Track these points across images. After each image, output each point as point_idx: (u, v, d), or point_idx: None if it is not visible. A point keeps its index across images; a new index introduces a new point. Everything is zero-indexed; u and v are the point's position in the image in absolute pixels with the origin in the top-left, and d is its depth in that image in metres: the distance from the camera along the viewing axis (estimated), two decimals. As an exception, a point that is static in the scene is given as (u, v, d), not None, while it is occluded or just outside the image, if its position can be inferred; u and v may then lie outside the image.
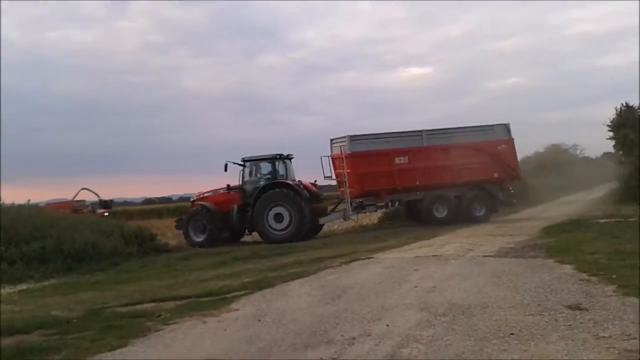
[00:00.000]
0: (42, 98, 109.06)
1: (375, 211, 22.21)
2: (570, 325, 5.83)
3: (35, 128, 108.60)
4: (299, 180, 21.01)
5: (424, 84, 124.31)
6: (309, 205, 19.91)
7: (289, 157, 20.94)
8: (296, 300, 8.25)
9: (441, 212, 20.83)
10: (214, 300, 8.61)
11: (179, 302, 8.61)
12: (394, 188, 20.43)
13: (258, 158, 20.58)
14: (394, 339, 5.71)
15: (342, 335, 5.95)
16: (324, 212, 21.21)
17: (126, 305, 8.71)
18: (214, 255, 16.23)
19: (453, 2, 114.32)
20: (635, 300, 6.73)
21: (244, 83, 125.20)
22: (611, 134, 29.76)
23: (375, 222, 26.52)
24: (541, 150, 65.05)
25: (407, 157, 20.25)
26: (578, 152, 69.59)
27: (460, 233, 18.02)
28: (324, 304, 7.75)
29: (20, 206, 19.87)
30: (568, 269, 9.46)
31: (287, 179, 20.42)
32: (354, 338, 5.83)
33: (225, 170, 19.97)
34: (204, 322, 7.16)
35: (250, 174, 20.47)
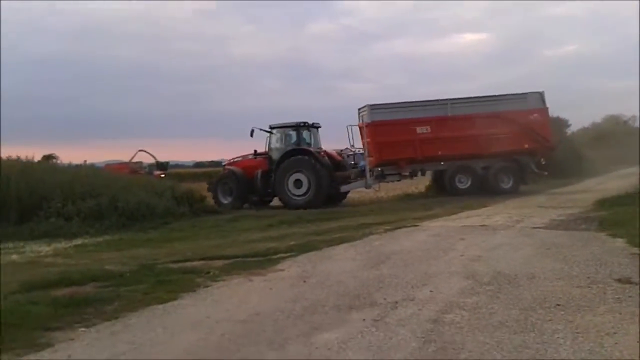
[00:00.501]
0: (98, 63, 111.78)
1: (399, 180, 21.74)
2: (618, 298, 5.71)
3: (90, 92, 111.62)
4: (322, 149, 21.12)
5: (478, 51, 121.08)
6: (329, 172, 20.00)
7: (314, 126, 21.12)
8: (341, 263, 8.34)
9: (464, 183, 20.45)
10: (260, 261, 8.80)
11: (226, 261, 8.83)
12: (415, 158, 20.32)
13: (283, 125, 20.81)
14: (437, 304, 5.73)
15: (385, 299, 6.01)
16: (346, 180, 21.19)
17: (177, 262, 9.01)
18: (261, 218, 16.51)
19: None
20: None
21: (294, 50, 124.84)
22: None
23: (423, 190, 26.32)
24: (599, 121, 63.08)
25: (429, 127, 20.07)
26: (637, 123, 67.01)
27: (510, 204, 17.70)
28: (368, 269, 7.82)
29: (77, 166, 20.66)
30: (620, 242, 9.21)
31: (311, 146, 20.59)
32: (397, 302, 5.87)
33: (251, 135, 20.48)
34: (251, 280, 7.35)
35: (276, 141, 20.81)
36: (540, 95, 19.88)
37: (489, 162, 20.31)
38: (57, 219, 14.26)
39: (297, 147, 20.33)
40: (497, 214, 14.58)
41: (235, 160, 21.99)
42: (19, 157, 17.93)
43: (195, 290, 6.85)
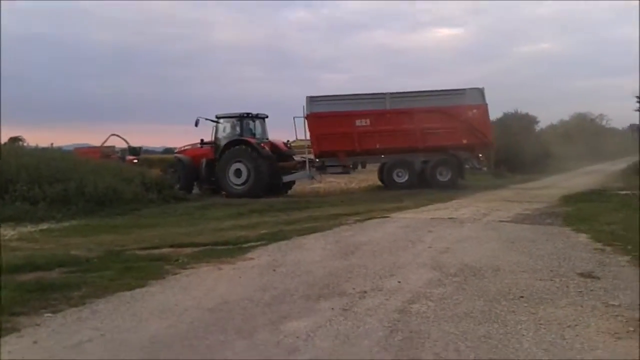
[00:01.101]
0: (73, 45, 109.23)
1: (340, 173, 21.96)
2: (580, 292, 5.87)
3: (64, 74, 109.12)
4: (267, 139, 21.38)
5: (455, 46, 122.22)
6: (270, 163, 20.25)
7: (259, 116, 21.40)
8: (311, 253, 8.38)
9: (402, 177, 20.65)
10: (230, 249, 8.78)
11: (196, 249, 8.79)
12: (353, 150, 20.49)
13: (229, 116, 21.10)
14: (404, 295, 5.82)
15: (354, 289, 6.07)
16: (290, 171, 21.45)
17: (145, 248, 8.91)
18: (231, 206, 16.44)
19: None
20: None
21: (274, 38, 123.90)
22: (639, 105, 29.12)
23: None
24: (567, 118, 64.40)
25: (368, 120, 20.21)
26: (604, 122, 68.79)
27: (478, 197, 18.01)
28: (337, 259, 7.88)
29: (43, 149, 20.24)
30: (583, 237, 9.47)
31: (255, 137, 20.89)
32: (366, 292, 5.94)
33: (196, 125, 20.79)
34: (220, 268, 7.33)
35: (222, 131, 21.18)
36: (480, 92, 19.95)
37: (427, 156, 20.47)
38: (23, 202, 13.90)
39: (238, 138, 20.58)
40: (464, 207, 14.81)
41: (185, 148, 22.22)
42: (-17, 139, 17.46)
43: (163, 277, 6.80)
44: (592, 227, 10.57)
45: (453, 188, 19.78)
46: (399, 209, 14.52)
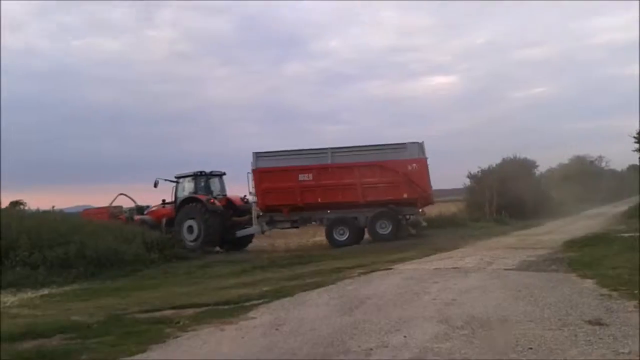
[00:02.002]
0: (69, 106, 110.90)
1: (289, 227, 21.96)
2: (589, 340, 5.75)
3: (62, 136, 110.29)
4: (222, 195, 22.19)
5: (449, 94, 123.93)
6: (221, 218, 20.84)
7: (213, 174, 22.43)
8: (314, 309, 8.25)
9: (343, 235, 20.48)
10: (232, 308, 8.65)
11: (197, 310, 8.66)
12: (296, 204, 20.60)
13: (185, 175, 22.11)
14: (411, 350, 5.69)
15: (359, 346, 5.95)
16: (244, 226, 21.79)
17: (146, 311, 8.79)
18: (234, 263, 16.33)
19: (477, 11, 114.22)
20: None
21: (270, 92, 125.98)
22: (637, 145, 29.29)
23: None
24: (566, 161, 64.76)
25: (311, 175, 20.31)
26: (603, 164, 69.17)
27: (481, 245, 17.91)
28: (342, 314, 7.75)
29: (44, 212, 20.24)
30: (589, 283, 9.36)
31: (212, 193, 21.78)
32: (372, 349, 5.82)
33: (155, 186, 21.76)
34: (222, 329, 7.21)
35: (180, 190, 22.06)
36: (419, 146, 19.92)
37: (369, 211, 20.33)
38: (24, 267, 13.81)
39: (190, 196, 21.40)
40: (468, 255, 14.69)
41: (152, 209, 23.15)
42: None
43: (164, 341, 6.68)
44: (597, 272, 10.46)
45: (393, 240, 19.47)
46: (403, 260, 14.40)
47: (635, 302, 7.47)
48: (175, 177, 22.08)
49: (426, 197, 20.11)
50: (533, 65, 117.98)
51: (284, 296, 9.51)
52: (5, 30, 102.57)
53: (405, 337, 6.26)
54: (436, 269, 12.25)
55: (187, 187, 22.02)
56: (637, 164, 35.06)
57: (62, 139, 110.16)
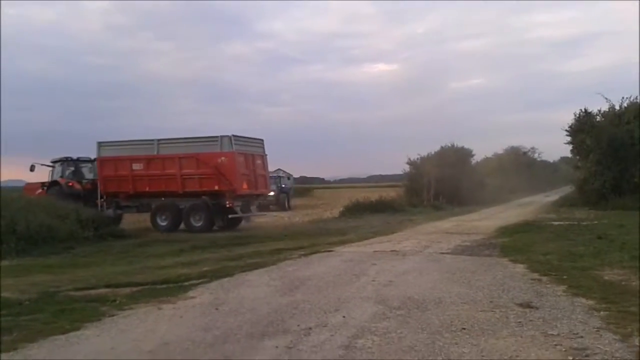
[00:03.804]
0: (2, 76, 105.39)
1: (136, 212, 22.31)
2: (520, 322, 6.01)
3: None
4: (91, 179, 22.71)
5: (391, 80, 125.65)
6: (77, 200, 20.71)
7: (81, 159, 23.22)
8: (254, 290, 8.25)
9: (164, 220, 20.98)
10: (171, 288, 8.52)
11: (134, 289, 8.48)
12: (129, 193, 21.28)
13: (58, 160, 23.06)
14: (349, 330, 5.79)
15: (298, 325, 6.00)
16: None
17: (80, 289, 8.54)
18: (172, 243, 16.08)
19: (419, 0, 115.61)
20: (584, 300, 6.99)
21: (209, 69, 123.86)
22: (569, 138, 30.57)
23: (337, 215, 26.79)
24: (500, 151, 66.87)
25: (141, 164, 20.92)
26: (536, 155, 71.77)
27: (419, 230, 18.34)
28: (282, 295, 7.79)
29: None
30: (521, 268, 9.76)
31: (81, 178, 22.75)
32: (310, 328, 5.88)
33: (32, 170, 22.97)
34: (160, 308, 7.10)
35: (56, 174, 22.95)
36: (229, 139, 20.16)
37: (186, 201, 20.89)
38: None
39: (54, 180, 22.51)
40: (406, 239, 15.03)
41: (32, 186, 23.55)
42: None
43: (100, 319, 6.52)
44: (529, 257, 10.92)
45: (208, 232, 19.75)
46: (343, 243, 14.58)
47: (563, 287, 7.85)
48: (51, 162, 23.07)
49: (233, 190, 20.14)
50: (471, 57, 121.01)
51: (224, 276, 9.45)
52: None
53: (344, 317, 6.36)
54: (375, 251, 12.46)
55: (57, 171, 22.95)
56: (569, 155, 36.59)
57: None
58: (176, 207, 20.73)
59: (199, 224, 20.29)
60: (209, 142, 20.27)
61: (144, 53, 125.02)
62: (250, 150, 20.93)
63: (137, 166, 20.81)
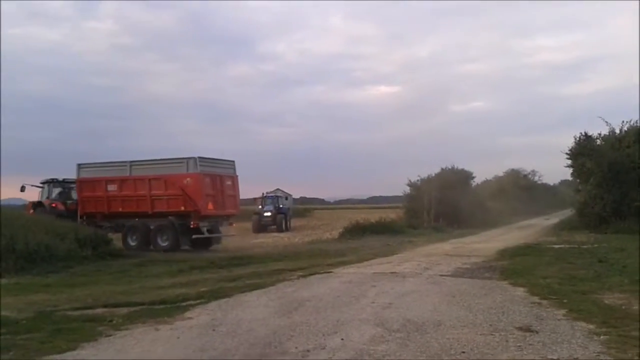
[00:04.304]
0: (2, 96, 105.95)
1: (113, 232, 21.79)
2: (519, 346, 5.95)
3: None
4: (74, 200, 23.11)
5: (393, 102, 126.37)
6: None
7: (66, 181, 23.71)
8: (252, 311, 8.20)
9: (135, 240, 21.17)
10: (168, 308, 8.48)
11: (132, 309, 8.44)
12: (104, 213, 21.60)
13: (46, 181, 23.83)
14: (348, 352, 5.73)
15: (296, 348, 5.94)
16: None
17: (78, 309, 8.51)
18: (171, 263, 16.02)
19: (422, 24, 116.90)
20: (584, 324, 6.93)
21: (212, 91, 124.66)
22: (569, 162, 30.55)
23: (336, 236, 26.73)
24: (501, 174, 66.89)
25: (115, 185, 21.39)
26: (537, 178, 71.67)
27: (419, 252, 18.27)
28: (280, 316, 7.73)
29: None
30: (521, 291, 9.69)
31: (67, 199, 23.29)
32: (309, 350, 5.82)
33: (22, 191, 24.19)
34: (157, 329, 7.05)
35: (42, 194, 23.80)
36: (195, 161, 20.41)
37: (155, 221, 21.04)
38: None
39: (39, 200, 23.40)
40: (406, 261, 14.97)
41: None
42: None
43: (96, 339, 6.48)
44: (529, 280, 10.86)
45: (174, 252, 19.81)
46: (343, 264, 14.52)
47: (564, 311, 7.79)
48: (41, 183, 23.87)
49: (197, 210, 20.26)
50: (473, 79, 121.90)
51: (222, 297, 9.41)
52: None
53: (342, 339, 6.30)
54: (375, 273, 12.40)
55: (44, 192, 23.70)
56: (569, 178, 36.53)
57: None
58: (146, 227, 20.96)
59: (165, 244, 20.46)
60: (176, 164, 20.68)
61: (148, 74, 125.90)
62: (218, 171, 21.17)
63: (111, 187, 21.30)
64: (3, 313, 8.03)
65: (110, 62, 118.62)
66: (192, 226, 20.17)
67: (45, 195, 23.59)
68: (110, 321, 7.48)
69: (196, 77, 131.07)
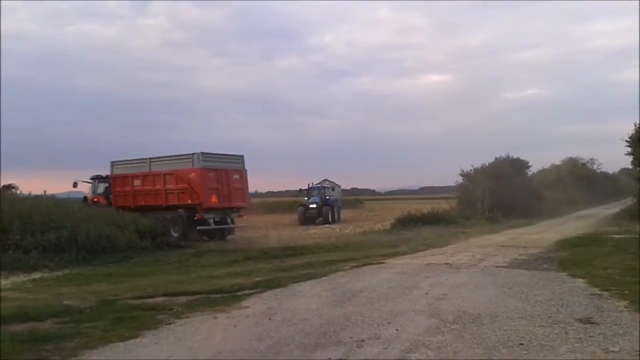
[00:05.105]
0: (61, 92, 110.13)
1: None
2: (580, 338, 5.80)
3: (52, 121, 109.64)
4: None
5: (443, 92, 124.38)
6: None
7: (108, 177, 24.88)
8: (307, 300, 8.28)
9: (176, 232, 21.38)
10: (225, 297, 8.67)
11: (190, 298, 8.68)
12: (129, 206, 22.39)
13: (93, 177, 25.80)
14: (402, 343, 5.73)
15: (351, 337, 5.98)
16: None
17: (138, 297, 8.80)
18: (226, 253, 16.34)
19: (473, 12, 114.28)
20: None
21: (261, 84, 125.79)
22: (629, 149, 29.34)
23: (388, 227, 26.61)
24: (558, 163, 65.01)
25: (139, 181, 22.84)
26: (595, 166, 69.36)
27: (473, 243, 18.00)
28: (334, 306, 7.79)
29: (36, 197, 20.16)
30: (580, 282, 9.44)
31: (103, 194, 24.94)
32: (363, 340, 5.85)
33: (74, 186, 25.89)
34: (215, 317, 7.22)
35: (93, 189, 25.61)
36: (198, 156, 21.24)
37: (169, 213, 21.64)
38: (16, 251, 13.79)
39: (85, 195, 25.58)
40: (460, 252, 14.77)
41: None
42: (-24, 187, 17.40)
43: (157, 327, 6.69)
44: (588, 272, 10.55)
45: (186, 241, 20.25)
46: (395, 255, 14.47)
47: (625, 302, 7.54)
48: (90, 178, 25.75)
49: (200, 204, 21.04)
50: (527, 67, 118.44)
51: (276, 287, 9.53)
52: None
53: (397, 330, 6.30)
54: (428, 264, 12.31)
55: (92, 187, 25.57)
56: (629, 167, 35.10)
57: (54, 124, 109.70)
58: (163, 219, 21.68)
59: (176, 235, 21.18)
60: (185, 160, 21.70)
61: (199, 69, 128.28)
62: (223, 166, 22.05)
63: (136, 182, 22.85)
64: (67, 302, 8.40)
65: (162, 58, 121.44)
66: (195, 218, 21.05)
67: (93, 190, 25.31)
68: (170, 310, 7.70)
69: (245, 71, 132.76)
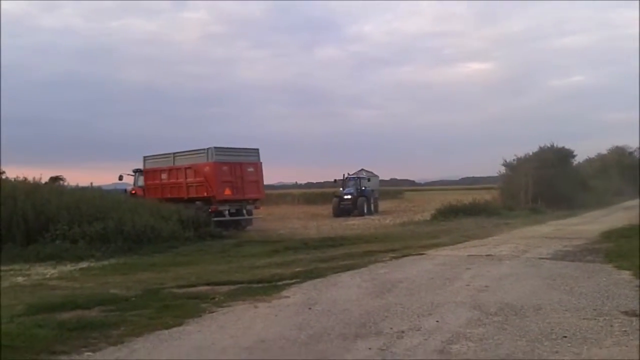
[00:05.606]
0: (106, 85, 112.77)
1: None
2: (625, 331, 5.69)
3: (99, 114, 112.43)
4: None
5: (484, 80, 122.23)
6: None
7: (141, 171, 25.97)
8: (346, 291, 8.33)
9: None
10: (265, 287, 8.79)
11: (232, 287, 8.83)
12: (158, 198, 22.77)
13: (136, 170, 26.58)
14: (443, 334, 5.71)
15: (391, 328, 5.99)
16: None
17: (182, 286, 9.01)
18: (266, 243, 16.49)
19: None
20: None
21: (301, 75, 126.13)
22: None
23: (428, 218, 26.42)
24: (604, 152, 63.14)
25: (166, 174, 23.94)
26: (640, 154, 66.90)
27: (515, 234, 17.74)
28: (374, 297, 7.81)
29: (83, 189, 20.74)
30: (626, 274, 9.22)
31: (141, 187, 25.52)
32: (403, 331, 5.86)
33: (120, 179, 27.62)
34: (256, 307, 7.34)
35: (138, 180, 26.48)
36: (212, 151, 21.92)
37: (189, 206, 21.56)
38: (63, 241, 14.23)
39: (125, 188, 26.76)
40: (502, 243, 14.57)
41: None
42: (25, 179, 17.99)
43: (200, 315, 6.85)
44: (635, 264, 10.24)
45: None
46: (435, 246, 14.37)
47: (674, 295, 7.33)
48: (132, 171, 26.90)
49: (212, 196, 21.61)
50: (571, 53, 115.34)
51: (316, 277, 9.62)
52: (41, 11, 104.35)
53: (437, 321, 6.29)
54: (469, 255, 12.20)
55: (134, 180, 26.64)
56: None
57: (101, 117, 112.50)
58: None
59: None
60: (202, 154, 22.55)
61: (239, 61, 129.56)
62: (238, 159, 22.65)
63: (164, 176, 23.96)
64: (113, 291, 8.66)
65: (203, 50, 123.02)
66: (210, 210, 21.41)
67: (134, 183, 26.49)
68: (213, 298, 7.86)
69: (285, 62, 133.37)
